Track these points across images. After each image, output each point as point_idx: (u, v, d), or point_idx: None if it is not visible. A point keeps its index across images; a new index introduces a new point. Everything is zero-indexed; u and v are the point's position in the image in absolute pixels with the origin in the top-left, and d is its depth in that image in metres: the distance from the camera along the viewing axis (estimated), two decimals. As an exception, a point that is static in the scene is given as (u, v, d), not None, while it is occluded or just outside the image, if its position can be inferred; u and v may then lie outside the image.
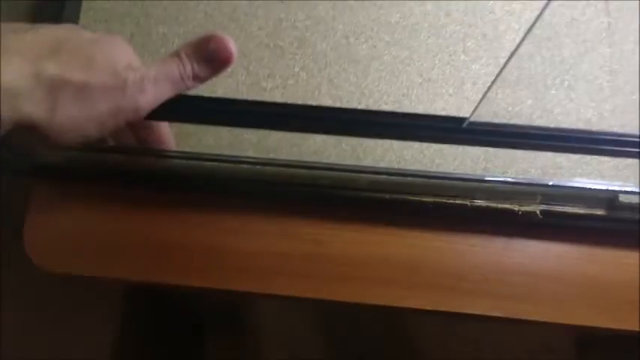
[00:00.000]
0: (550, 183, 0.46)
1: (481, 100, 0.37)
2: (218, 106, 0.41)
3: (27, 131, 0.35)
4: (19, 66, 0.33)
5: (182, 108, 0.40)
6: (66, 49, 0.36)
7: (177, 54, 0.39)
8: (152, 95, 0.37)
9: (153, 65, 0.38)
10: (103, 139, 0.46)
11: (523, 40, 0.46)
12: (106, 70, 0.36)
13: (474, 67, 0.51)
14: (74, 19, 0.52)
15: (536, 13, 0.53)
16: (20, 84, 0.33)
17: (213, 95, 0.48)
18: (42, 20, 0.52)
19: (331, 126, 0.40)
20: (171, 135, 0.45)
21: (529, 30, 0.46)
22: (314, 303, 0.50)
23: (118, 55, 0.37)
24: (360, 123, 0.38)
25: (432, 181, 0.47)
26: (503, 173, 0.48)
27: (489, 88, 0.36)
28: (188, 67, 0.38)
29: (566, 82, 0.50)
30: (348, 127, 0.39)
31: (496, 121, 0.37)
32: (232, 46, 0.39)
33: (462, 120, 0.37)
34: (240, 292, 0.50)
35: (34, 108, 0.34)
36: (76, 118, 0.35)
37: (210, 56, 0.39)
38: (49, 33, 0.36)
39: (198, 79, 0.39)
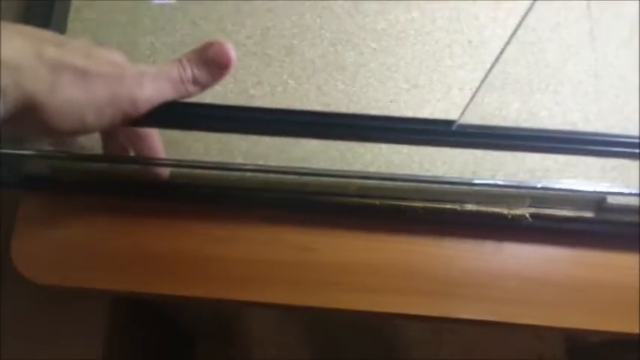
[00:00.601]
0: (539, 185, 0.46)
1: (469, 103, 0.37)
2: (205, 111, 0.41)
3: (27, 115, 0.35)
4: (22, 44, 0.34)
5: (170, 114, 0.39)
6: (67, 42, 0.36)
7: (178, 59, 0.39)
8: (150, 90, 0.38)
9: (153, 66, 0.39)
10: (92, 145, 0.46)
11: (507, 44, 0.46)
12: (106, 61, 0.37)
13: (460, 72, 0.51)
14: (62, 21, 0.52)
15: (518, 19, 0.53)
16: (22, 60, 0.34)
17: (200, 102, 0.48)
18: (31, 21, 0.52)
19: (320, 130, 0.40)
20: (162, 146, 0.45)
21: (513, 34, 0.47)
22: (304, 310, 0.49)
23: (118, 57, 0.38)
24: (349, 127, 0.39)
25: (422, 185, 0.47)
26: (492, 177, 0.48)
27: (476, 91, 0.37)
28: (188, 70, 0.39)
29: (551, 86, 0.51)
30: (337, 131, 0.39)
31: (484, 123, 0.37)
32: (232, 51, 0.39)
33: (450, 123, 0.38)
34: (230, 301, 0.50)
35: (35, 84, 0.34)
36: (76, 100, 0.35)
37: (210, 61, 0.39)
38: (51, 32, 0.38)
39: (199, 84, 0.40)
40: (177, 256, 0.49)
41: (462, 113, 0.37)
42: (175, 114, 0.40)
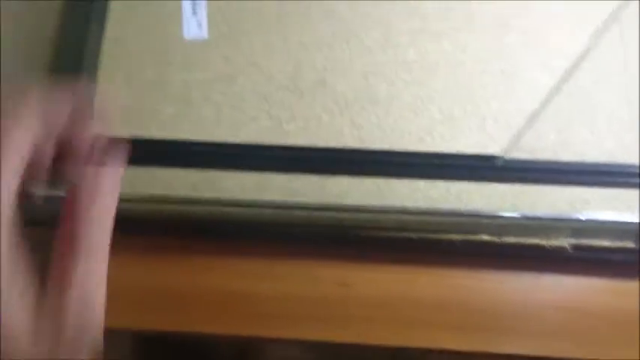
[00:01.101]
0: (578, 217, 0.45)
1: (515, 138, 0.37)
2: (241, 151, 0.41)
3: None
4: None
5: (205, 154, 0.39)
6: None
7: None
8: None
9: None
10: None
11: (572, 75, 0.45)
12: None
13: (493, 102, 0.51)
14: (94, 60, 0.52)
15: (551, 47, 0.53)
16: None
17: (235, 141, 0.48)
18: (63, 60, 0.52)
19: (360, 168, 0.40)
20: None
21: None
22: (338, 347, 0.49)
23: None
24: (393, 164, 0.38)
25: (460, 219, 0.46)
26: (531, 208, 0.48)
27: (524, 126, 0.36)
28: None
29: (587, 115, 0.50)
30: (382, 169, 0.39)
31: (528, 157, 0.37)
32: None
33: (494, 158, 0.37)
34: (263, 338, 0.49)
35: None
36: None
37: None
38: None
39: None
40: (206, 293, 0.49)
41: (508, 147, 0.37)
42: (211, 153, 0.40)
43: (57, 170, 0.28)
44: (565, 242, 0.47)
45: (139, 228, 0.49)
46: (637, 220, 0.45)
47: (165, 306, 0.49)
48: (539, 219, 0.46)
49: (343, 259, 0.49)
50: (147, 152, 0.39)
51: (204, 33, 0.53)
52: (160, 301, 0.49)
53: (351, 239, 0.48)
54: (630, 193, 0.47)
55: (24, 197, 0.27)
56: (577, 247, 0.47)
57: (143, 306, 0.49)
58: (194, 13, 0.53)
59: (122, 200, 0.47)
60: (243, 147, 0.41)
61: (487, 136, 0.50)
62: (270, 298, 0.49)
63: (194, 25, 0.53)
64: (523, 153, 0.36)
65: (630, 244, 0.47)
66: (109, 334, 0.48)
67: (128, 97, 0.51)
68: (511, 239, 0.47)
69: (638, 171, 0.38)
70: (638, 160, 0.48)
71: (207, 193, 0.46)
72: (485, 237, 0.47)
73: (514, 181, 0.38)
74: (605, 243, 0.47)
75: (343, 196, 0.48)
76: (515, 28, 0.53)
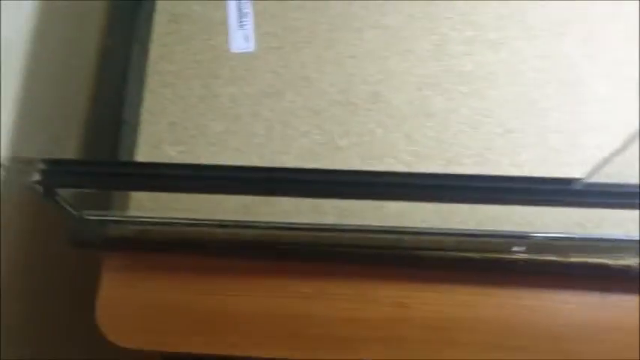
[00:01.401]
0: (647, 236, 0.43)
1: (603, 162, 0.35)
2: (297, 176, 0.39)
3: None
4: None
5: (260, 180, 0.37)
6: None
7: None
8: None
9: None
10: None
11: None
12: None
13: (554, 114, 0.49)
14: (140, 75, 0.50)
15: (613, 55, 0.51)
16: None
17: (289, 156, 0.47)
18: (107, 75, 0.51)
19: (420, 193, 0.37)
20: None
21: None
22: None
23: None
24: (463, 189, 0.36)
25: (524, 240, 0.44)
26: (597, 227, 0.46)
27: (615, 152, 0.34)
28: None
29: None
30: (455, 193, 0.37)
31: (606, 181, 0.35)
32: None
33: (571, 181, 0.35)
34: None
35: None
36: None
37: None
38: None
39: None
40: (264, 315, 0.48)
41: (592, 172, 0.35)
42: (266, 180, 0.38)
43: None
44: (631, 261, 0.45)
45: (190, 249, 0.47)
46: None
47: (214, 328, 0.48)
48: (605, 240, 0.45)
49: (400, 278, 0.47)
50: (201, 178, 0.37)
51: (251, 46, 0.51)
52: (208, 324, 0.48)
53: (410, 259, 0.46)
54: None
55: None
56: (646, 267, 0.45)
57: (190, 328, 0.48)
58: (240, 25, 0.51)
59: (174, 223, 0.46)
60: (299, 171, 0.39)
61: (550, 150, 0.48)
62: (325, 320, 0.47)
63: (240, 38, 0.51)
64: (605, 177, 0.34)
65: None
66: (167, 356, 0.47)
67: (176, 113, 0.49)
68: (576, 259, 0.45)
69: None
70: None
71: (263, 216, 0.44)
72: (550, 257, 0.46)
73: (592, 206, 0.36)
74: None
75: (401, 216, 0.46)
76: (574, 34, 0.51)
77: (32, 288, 0.53)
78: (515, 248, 0.46)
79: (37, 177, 0.37)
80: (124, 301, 0.48)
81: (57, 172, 0.37)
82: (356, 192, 0.38)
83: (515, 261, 0.45)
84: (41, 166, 0.37)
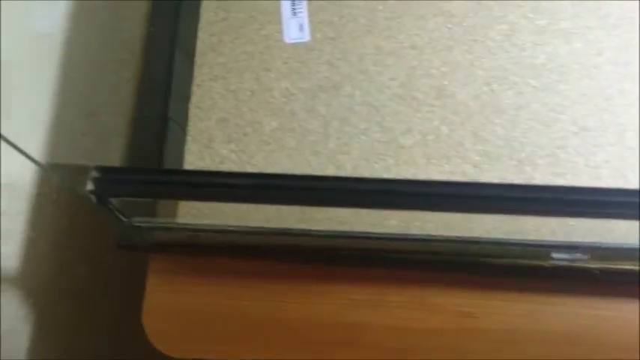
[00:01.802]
0: None
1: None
2: (356, 186, 0.36)
3: None
4: None
5: (319, 190, 0.34)
6: None
7: None
8: None
9: None
10: None
11: None
12: None
13: (633, 111, 0.45)
14: (188, 69, 0.47)
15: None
16: None
17: (349, 156, 0.44)
18: (153, 69, 0.48)
19: (488, 205, 0.34)
20: None
21: None
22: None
23: None
24: (532, 201, 0.33)
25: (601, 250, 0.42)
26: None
27: None
28: None
29: None
30: (522, 205, 0.33)
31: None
32: None
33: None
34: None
35: None
36: None
37: None
38: None
39: None
40: (316, 323, 0.46)
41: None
42: (324, 190, 0.35)
43: None
44: None
45: (250, 254, 0.45)
46: None
47: (271, 337, 0.46)
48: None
49: (464, 286, 0.45)
50: (258, 187, 0.35)
51: (305, 36, 0.48)
52: (257, 330, 0.46)
53: (475, 267, 0.44)
54: None
55: None
56: None
57: (238, 335, 0.46)
58: (294, 13, 0.48)
59: (223, 231, 0.43)
60: (359, 181, 0.36)
61: (628, 150, 0.44)
62: (383, 329, 0.45)
63: (294, 27, 0.48)
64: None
65: None
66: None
67: (226, 108, 0.46)
68: (655, 267, 0.42)
69: None
70: None
71: (323, 224, 0.42)
72: (626, 265, 0.43)
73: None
74: None
75: (468, 221, 0.43)
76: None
77: (77, 288, 0.51)
78: (577, 255, 0.43)
79: (90, 186, 0.34)
80: (170, 308, 0.46)
81: (110, 180, 0.35)
82: (419, 202, 0.35)
83: (589, 270, 0.43)
84: (94, 174, 0.35)
